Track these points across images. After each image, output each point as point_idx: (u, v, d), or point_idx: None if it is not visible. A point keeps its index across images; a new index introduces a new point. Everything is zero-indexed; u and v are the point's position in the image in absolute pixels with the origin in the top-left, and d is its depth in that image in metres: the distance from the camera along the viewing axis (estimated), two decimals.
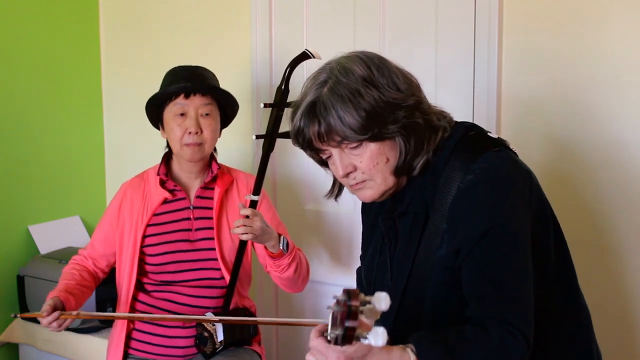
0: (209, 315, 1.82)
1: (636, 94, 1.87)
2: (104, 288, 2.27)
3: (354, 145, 1.15)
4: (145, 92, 2.78)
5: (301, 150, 2.62)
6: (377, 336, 0.90)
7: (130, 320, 1.91)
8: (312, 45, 2.39)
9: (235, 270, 1.84)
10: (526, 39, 2.01)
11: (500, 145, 1.18)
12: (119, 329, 1.92)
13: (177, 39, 2.71)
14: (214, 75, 1.95)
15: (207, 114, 1.86)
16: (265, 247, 1.79)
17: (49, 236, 2.66)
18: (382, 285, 1.28)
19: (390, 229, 1.27)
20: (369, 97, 1.11)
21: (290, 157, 2.49)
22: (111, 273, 2.02)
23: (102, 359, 2.00)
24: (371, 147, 1.15)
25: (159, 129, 1.94)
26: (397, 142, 1.15)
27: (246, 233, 1.70)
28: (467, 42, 2.09)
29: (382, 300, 0.90)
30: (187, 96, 1.84)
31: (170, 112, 1.86)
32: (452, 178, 1.14)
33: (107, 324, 2.37)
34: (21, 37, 2.59)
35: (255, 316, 2.01)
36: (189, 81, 1.84)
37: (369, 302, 0.90)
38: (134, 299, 1.90)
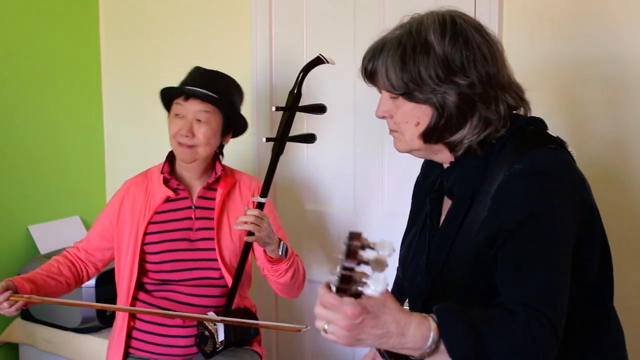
0: (211, 315, 1.82)
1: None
2: (103, 288, 2.28)
3: (394, 95, 1.18)
4: (145, 93, 2.81)
5: (301, 151, 2.62)
6: (377, 282, 0.87)
7: (131, 317, 1.91)
8: (311, 45, 2.39)
9: (239, 271, 1.84)
10: (526, 39, 2.01)
11: (557, 144, 1.16)
12: (120, 329, 1.91)
13: (177, 39, 2.71)
14: (232, 84, 1.93)
15: (202, 120, 1.85)
16: (265, 251, 1.80)
17: (49, 236, 2.66)
18: (417, 266, 1.26)
19: (434, 210, 1.27)
20: (420, 64, 1.13)
21: (291, 157, 2.49)
22: (112, 273, 2.01)
23: (102, 359, 2.00)
24: (407, 105, 1.17)
25: None
26: (433, 111, 1.16)
27: (255, 231, 1.70)
28: None
29: (386, 247, 0.87)
30: (186, 99, 1.85)
31: (173, 110, 1.89)
32: (501, 167, 1.12)
33: (108, 323, 2.37)
34: (21, 37, 2.58)
35: (256, 317, 2.01)
36: (196, 84, 1.85)
37: (373, 247, 0.87)
38: (135, 298, 1.90)
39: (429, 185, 1.34)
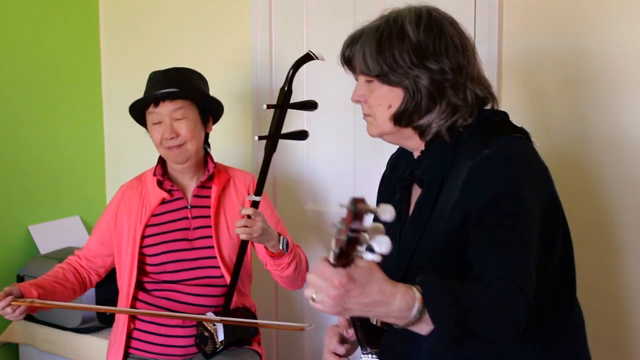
0: (210, 315, 1.82)
1: (637, 93, 1.88)
2: (104, 289, 2.28)
3: (369, 79, 1.24)
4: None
5: (301, 150, 2.63)
6: (381, 244, 0.89)
7: (131, 318, 1.91)
8: (312, 45, 2.39)
9: (236, 270, 1.84)
10: (526, 39, 2.02)
11: (522, 133, 1.23)
12: (120, 329, 1.92)
13: (177, 39, 2.71)
14: (190, 72, 1.93)
15: (179, 118, 1.86)
16: (265, 247, 1.80)
17: (49, 236, 2.66)
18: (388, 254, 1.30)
19: (403, 199, 1.31)
20: (395, 48, 1.20)
21: (290, 157, 2.49)
22: (111, 275, 2.02)
23: (102, 359, 2.00)
24: (381, 88, 1.23)
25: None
26: (405, 93, 1.21)
27: (247, 233, 1.71)
28: None
29: (386, 212, 0.90)
30: (156, 104, 1.86)
31: (149, 120, 1.90)
32: (469, 154, 1.17)
33: (108, 324, 2.37)
34: (21, 37, 2.59)
35: (255, 316, 2.01)
36: (158, 87, 1.86)
37: (375, 212, 0.90)
38: (135, 298, 1.91)
39: (398, 177, 1.38)
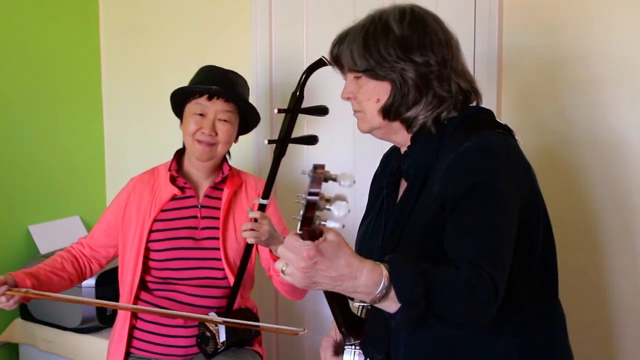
0: (212, 316, 1.82)
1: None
2: (105, 288, 2.28)
3: (357, 75, 1.28)
4: (145, 92, 2.81)
5: (302, 151, 2.62)
6: (340, 208, 0.93)
7: (133, 316, 1.91)
8: (311, 45, 2.39)
9: (240, 272, 1.84)
10: (525, 38, 2.02)
11: (505, 130, 1.25)
12: (120, 327, 1.91)
13: (177, 39, 2.71)
14: (244, 82, 1.95)
15: (225, 120, 1.87)
16: (271, 251, 1.80)
17: (49, 236, 2.66)
18: (373, 246, 1.32)
19: (391, 194, 1.34)
20: (380, 43, 1.23)
21: (292, 158, 2.49)
22: (113, 273, 2.01)
23: (103, 359, 2.00)
24: (369, 83, 1.27)
25: (180, 118, 1.96)
26: (392, 87, 1.25)
27: (253, 236, 1.71)
28: (466, 41, 2.09)
29: (347, 177, 0.94)
30: (210, 98, 1.85)
31: (191, 109, 1.88)
32: (452, 148, 1.19)
33: (108, 323, 2.37)
34: (21, 37, 2.58)
35: (257, 317, 2.01)
36: (216, 84, 1.85)
37: (335, 179, 0.94)
38: (137, 297, 1.90)
39: (387, 173, 1.41)
